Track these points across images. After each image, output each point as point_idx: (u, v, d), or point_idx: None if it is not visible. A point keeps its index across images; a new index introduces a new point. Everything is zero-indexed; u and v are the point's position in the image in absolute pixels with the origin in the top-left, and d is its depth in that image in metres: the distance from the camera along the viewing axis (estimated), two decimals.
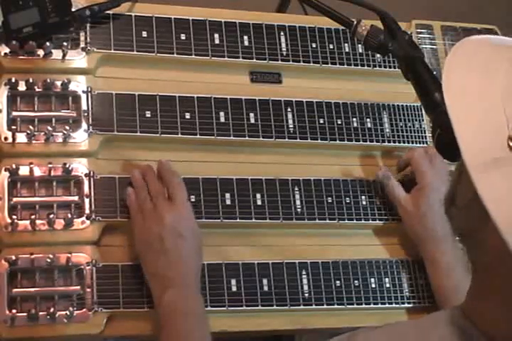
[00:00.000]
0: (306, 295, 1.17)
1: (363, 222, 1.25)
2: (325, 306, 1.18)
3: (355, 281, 1.20)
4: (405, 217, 1.24)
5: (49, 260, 1.06)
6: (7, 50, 1.15)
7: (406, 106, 1.35)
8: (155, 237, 1.08)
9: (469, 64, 0.78)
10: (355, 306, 1.19)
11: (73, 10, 1.18)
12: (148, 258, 1.09)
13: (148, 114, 1.19)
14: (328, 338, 0.89)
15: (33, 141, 1.12)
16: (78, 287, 1.07)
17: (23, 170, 1.10)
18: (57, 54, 1.17)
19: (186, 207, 1.12)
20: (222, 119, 1.23)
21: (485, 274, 0.79)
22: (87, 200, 1.12)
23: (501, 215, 0.67)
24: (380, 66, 1.36)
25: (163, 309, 1.05)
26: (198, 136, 1.21)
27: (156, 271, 1.08)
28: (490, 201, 0.68)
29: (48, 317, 1.04)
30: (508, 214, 0.68)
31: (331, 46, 1.34)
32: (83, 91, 1.17)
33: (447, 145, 0.98)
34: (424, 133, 1.34)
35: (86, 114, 1.16)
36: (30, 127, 1.12)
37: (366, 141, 1.30)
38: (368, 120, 1.31)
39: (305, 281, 1.18)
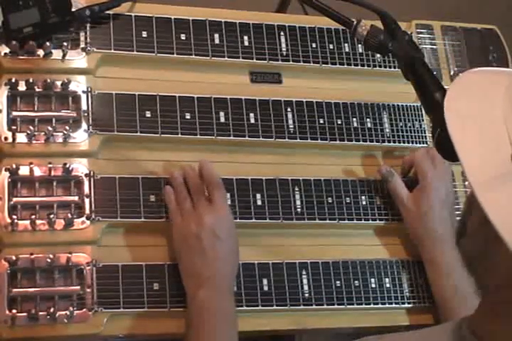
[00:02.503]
0: (306, 295, 1.17)
1: (363, 222, 1.25)
2: (325, 306, 1.18)
3: (355, 281, 1.20)
4: (406, 216, 1.25)
5: (49, 260, 1.06)
6: (7, 50, 1.15)
7: (406, 106, 1.35)
8: (193, 237, 1.10)
9: (469, 91, 0.79)
10: (355, 306, 1.19)
11: (73, 10, 1.18)
12: (184, 257, 1.11)
13: (148, 114, 1.19)
14: (328, 339, 0.89)
15: (33, 141, 1.12)
16: (78, 287, 1.07)
17: (23, 170, 1.10)
18: (57, 54, 1.17)
19: (225, 209, 1.14)
20: (222, 119, 1.23)
21: (497, 296, 0.78)
22: (87, 200, 1.12)
23: (510, 233, 0.66)
24: (380, 66, 1.36)
25: (195, 307, 1.07)
26: (198, 136, 1.21)
27: (191, 270, 1.10)
28: (497, 218, 0.67)
29: (48, 317, 1.04)
30: None
31: (331, 46, 1.34)
32: (83, 92, 1.17)
33: (447, 145, 0.98)
34: (424, 133, 1.34)
35: (86, 114, 1.16)
36: (30, 127, 1.12)
37: (366, 141, 1.30)
38: (368, 120, 1.31)
39: (305, 281, 1.18)
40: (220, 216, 1.12)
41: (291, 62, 1.31)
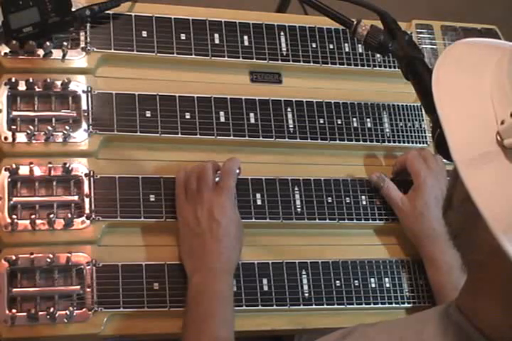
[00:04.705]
0: (306, 295, 1.17)
1: (363, 221, 1.25)
2: (325, 306, 1.18)
3: (355, 281, 1.20)
4: (403, 218, 1.25)
5: (49, 260, 1.06)
6: (7, 49, 1.15)
7: (406, 106, 1.35)
8: (192, 217, 1.12)
9: (459, 63, 0.78)
10: (355, 306, 1.19)
11: (73, 10, 1.18)
12: (183, 238, 1.12)
13: (148, 113, 1.19)
14: None
15: (33, 141, 1.12)
16: (78, 287, 1.07)
17: (23, 170, 1.10)
18: (57, 54, 1.18)
19: (228, 196, 1.13)
20: (222, 119, 1.23)
21: (479, 272, 0.79)
22: (87, 200, 1.12)
23: (491, 211, 0.67)
24: (380, 66, 1.36)
25: (191, 290, 1.08)
26: (198, 136, 1.21)
27: (189, 251, 1.11)
28: (479, 196, 0.68)
29: (48, 317, 1.04)
30: (498, 210, 0.67)
31: (331, 46, 1.34)
32: (83, 91, 1.17)
33: (447, 145, 0.98)
34: (424, 133, 1.35)
35: (86, 114, 1.16)
36: (30, 127, 1.12)
37: (366, 141, 1.30)
38: (368, 120, 1.31)
39: (305, 281, 1.18)
40: (219, 200, 1.12)
41: (291, 62, 1.31)
